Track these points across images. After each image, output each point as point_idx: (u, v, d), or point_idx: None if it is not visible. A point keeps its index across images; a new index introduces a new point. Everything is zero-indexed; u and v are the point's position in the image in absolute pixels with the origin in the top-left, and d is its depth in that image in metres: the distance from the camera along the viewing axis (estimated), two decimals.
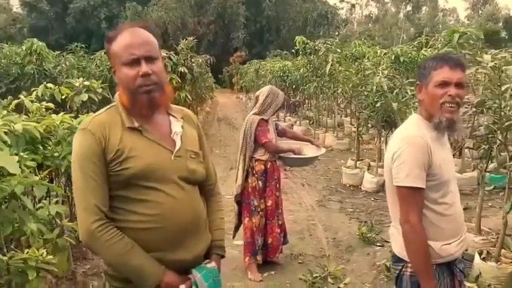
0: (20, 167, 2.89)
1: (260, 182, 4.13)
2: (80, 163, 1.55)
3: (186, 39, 9.64)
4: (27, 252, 2.79)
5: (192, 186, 1.69)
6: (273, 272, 4.19)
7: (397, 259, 2.09)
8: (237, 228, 4.36)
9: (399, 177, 1.94)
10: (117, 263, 1.57)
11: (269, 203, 4.18)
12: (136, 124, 1.61)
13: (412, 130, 2.00)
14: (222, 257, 1.83)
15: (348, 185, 7.38)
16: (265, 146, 4.08)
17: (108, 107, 1.69)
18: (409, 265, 2.00)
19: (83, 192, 1.55)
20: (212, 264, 1.74)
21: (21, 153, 2.88)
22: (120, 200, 1.59)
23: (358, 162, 7.69)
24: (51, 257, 2.90)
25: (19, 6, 46.58)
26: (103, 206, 1.55)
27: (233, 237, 4.45)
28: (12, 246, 3.21)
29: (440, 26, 55.19)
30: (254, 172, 4.12)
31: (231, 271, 4.22)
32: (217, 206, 1.89)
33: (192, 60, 9.49)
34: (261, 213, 4.16)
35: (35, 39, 8.92)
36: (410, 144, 1.93)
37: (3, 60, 8.88)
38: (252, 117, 4.15)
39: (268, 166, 4.15)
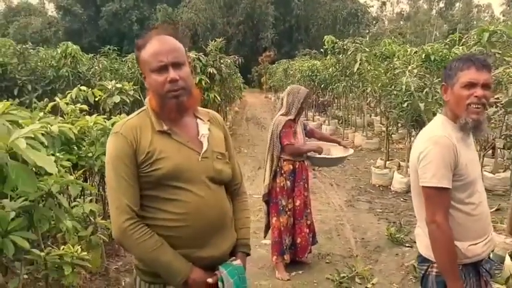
0: (56, 167, 3.03)
1: (288, 182, 4.15)
2: (113, 165, 1.64)
3: (215, 40, 9.75)
4: (63, 249, 2.92)
5: (218, 186, 1.76)
6: (300, 272, 4.21)
7: (422, 259, 2.09)
8: (267, 228, 4.40)
9: (425, 178, 1.94)
10: (147, 259, 1.65)
11: (297, 202, 4.20)
12: (165, 127, 1.68)
13: (438, 131, 1.99)
14: (248, 255, 1.89)
15: (377, 185, 7.33)
16: (286, 149, 4.11)
17: (139, 111, 1.78)
18: (435, 265, 2.01)
19: (116, 192, 1.63)
20: (238, 262, 1.79)
21: (57, 154, 3.01)
22: (151, 199, 1.67)
23: (387, 162, 7.62)
24: (85, 253, 3.02)
25: (54, 10, 48.08)
26: (134, 206, 1.64)
27: (264, 237, 4.51)
28: (49, 243, 3.36)
29: (475, 22, 53.75)
30: (282, 172, 4.14)
31: (259, 270, 4.27)
32: (243, 205, 1.95)
33: (221, 61, 9.58)
34: (288, 213, 4.18)
35: (69, 42, 9.17)
36: (436, 145, 1.93)
37: (39, 63, 9.16)
38: (279, 118, 4.18)
39: (297, 166, 4.16)
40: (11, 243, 2.31)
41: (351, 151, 4.51)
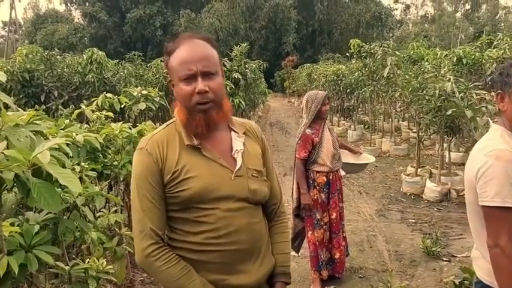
0: (81, 177, 2.94)
1: (323, 195, 3.95)
2: (137, 184, 1.52)
3: (240, 45, 9.63)
4: (88, 262, 2.82)
5: (253, 207, 1.59)
6: (332, 287, 4.01)
7: (483, 285, 1.88)
8: (293, 242, 4.20)
9: (487, 196, 1.74)
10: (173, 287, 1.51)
11: (333, 215, 4.00)
12: (195, 142, 1.53)
13: (498, 144, 1.79)
14: (287, 284, 1.71)
15: (408, 194, 7.05)
16: (297, 162, 3.97)
17: (167, 123, 1.64)
18: None
19: (140, 215, 1.51)
20: None
21: (82, 163, 2.92)
22: (178, 221, 1.54)
23: (419, 170, 7.34)
24: (110, 266, 2.92)
25: (80, 17, 48.89)
26: (159, 229, 1.51)
27: (298, 251, 4.31)
28: (73, 255, 3.27)
29: (502, 24, 52.54)
30: (316, 184, 3.94)
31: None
32: (282, 228, 1.76)
33: (246, 66, 9.46)
34: (324, 226, 3.98)
35: (95, 48, 9.19)
36: (498, 159, 1.73)
37: (65, 70, 9.20)
38: (299, 130, 4.03)
39: (331, 177, 3.97)
40: (35, 258, 2.21)
41: (367, 158, 4.54)
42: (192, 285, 1.48)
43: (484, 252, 1.80)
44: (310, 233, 4.01)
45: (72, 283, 2.76)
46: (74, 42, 40.94)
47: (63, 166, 2.35)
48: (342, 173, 4.25)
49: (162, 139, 1.55)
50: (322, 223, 3.97)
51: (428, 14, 64.92)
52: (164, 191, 1.51)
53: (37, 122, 2.38)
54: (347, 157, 4.35)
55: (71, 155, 2.52)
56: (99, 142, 3.10)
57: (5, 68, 7.98)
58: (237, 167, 1.56)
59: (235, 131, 1.64)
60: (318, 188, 3.93)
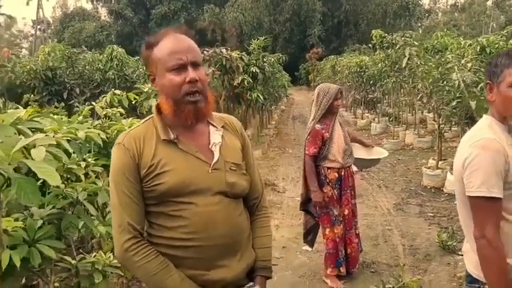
0: (87, 173, 2.98)
1: (335, 191, 3.87)
2: (115, 179, 1.52)
3: (258, 38, 9.59)
4: (95, 256, 2.86)
5: (232, 200, 1.58)
6: (343, 282, 3.96)
7: (472, 279, 1.84)
8: (305, 237, 4.18)
9: (472, 186, 1.70)
10: (151, 283, 1.51)
11: (346, 212, 3.92)
12: (171, 136, 1.53)
13: (485, 133, 1.74)
14: (268, 278, 1.70)
15: (428, 187, 6.90)
16: (306, 158, 3.89)
17: (146, 119, 1.65)
18: (486, 286, 1.76)
19: (118, 210, 1.52)
20: None
21: (89, 159, 2.95)
22: (156, 215, 1.54)
23: (440, 162, 7.16)
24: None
25: (106, 15, 49.63)
26: (137, 224, 1.51)
27: (312, 245, 4.29)
28: (84, 250, 3.33)
29: None
30: (328, 181, 3.85)
31: (299, 278, 4.07)
32: (263, 222, 1.75)
33: (264, 59, 9.42)
34: (343, 222, 3.92)
35: (115, 45, 9.34)
36: (485, 149, 1.68)
37: (87, 67, 9.37)
38: (308, 126, 3.96)
39: (343, 173, 3.88)
40: (38, 252, 2.25)
41: (383, 152, 4.43)
42: (169, 280, 1.48)
43: (473, 245, 1.75)
44: (328, 230, 3.92)
45: (79, 277, 2.82)
46: (100, 40, 41.56)
47: (63, 162, 2.41)
48: (354, 168, 4.16)
49: (139, 134, 1.56)
50: (340, 218, 3.89)
51: (458, 2, 63.09)
52: (142, 185, 1.51)
53: (36, 119, 2.44)
54: (359, 151, 4.26)
55: (71, 151, 2.56)
56: (105, 138, 3.14)
57: (28, 67, 8.18)
58: (214, 160, 1.55)
59: (213, 125, 1.64)
60: (330, 184, 3.85)
